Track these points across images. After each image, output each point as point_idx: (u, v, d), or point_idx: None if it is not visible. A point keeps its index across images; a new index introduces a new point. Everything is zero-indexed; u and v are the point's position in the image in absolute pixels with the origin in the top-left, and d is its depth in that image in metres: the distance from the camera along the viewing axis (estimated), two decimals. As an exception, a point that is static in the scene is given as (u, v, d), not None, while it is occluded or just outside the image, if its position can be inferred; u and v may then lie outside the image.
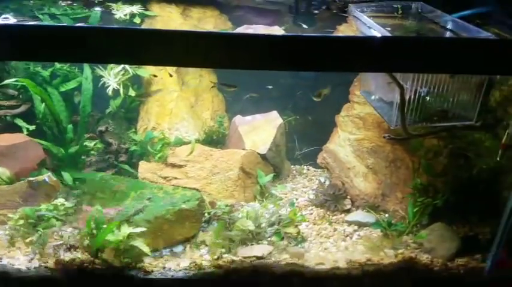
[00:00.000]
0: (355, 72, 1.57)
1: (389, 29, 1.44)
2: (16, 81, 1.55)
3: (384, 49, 1.16)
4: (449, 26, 1.47)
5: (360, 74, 1.70)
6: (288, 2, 1.96)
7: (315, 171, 1.98)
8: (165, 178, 1.71)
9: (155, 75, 1.69)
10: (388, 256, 1.47)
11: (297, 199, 1.75)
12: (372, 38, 1.25)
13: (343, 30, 1.83)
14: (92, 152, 1.71)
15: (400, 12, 1.67)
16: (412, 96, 1.29)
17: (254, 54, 1.20)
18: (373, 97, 1.50)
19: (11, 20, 1.31)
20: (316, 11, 1.92)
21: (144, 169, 1.73)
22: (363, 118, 1.72)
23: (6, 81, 1.57)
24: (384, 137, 1.40)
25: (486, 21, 1.46)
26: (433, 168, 1.51)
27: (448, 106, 1.33)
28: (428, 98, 1.32)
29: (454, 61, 1.14)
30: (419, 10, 1.66)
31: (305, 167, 1.99)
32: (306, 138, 1.97)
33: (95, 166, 1.72)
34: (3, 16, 1.34)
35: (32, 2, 1.66)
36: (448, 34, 1.47)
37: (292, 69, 1.22)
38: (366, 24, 1.50)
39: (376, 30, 1.38)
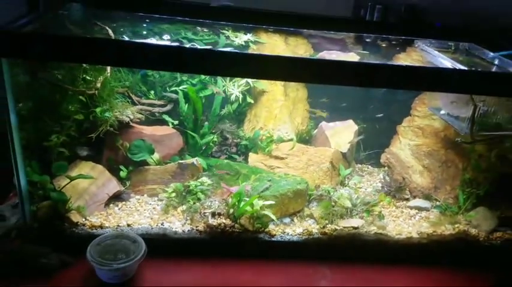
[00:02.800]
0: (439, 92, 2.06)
1: (454, 61, 1.96)
2: (184, 88, 1.99)
3: (465, 79, 1.69)
4: (496, 62, 2.00)
5: (425, 95, 2.22)
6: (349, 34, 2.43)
7: (373, 169, 2.46)
8: (269, 166, 2.15)
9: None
10: (447, 229, 1.97)
11: (371, 189, 2.23)
12: (458, 71, 1.77)
13: (403, 58, 2.31)
14: (211, 144, 2.15)
15: (453, 48, 2.21)
16: (477, 113, 1.81)
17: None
18: (442, 112, 2.01)
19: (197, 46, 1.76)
20: (378, 42, 2.42)
21: (253, 159, 2.16)
22: (422, 128, 2.23)
23: (173, 88, 2.00)
24: (456, 140, 1.91)
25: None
26: (479, 166, 2.04)
27: (500, 120, 1.86)
28: (487, 114, 1.84)
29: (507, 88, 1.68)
30: (467, 48, 2.20)
31: (366, 166, 2.48)
32: (369, 143, 2.44)
33: (215, 155, 2.15)
34: (192, 43, 1.79)
35: (164, 26, 2.06)
36: (494, 68, 2.00)
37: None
38: (435, 56, 2.01)
39: (449, 62, 1.90)
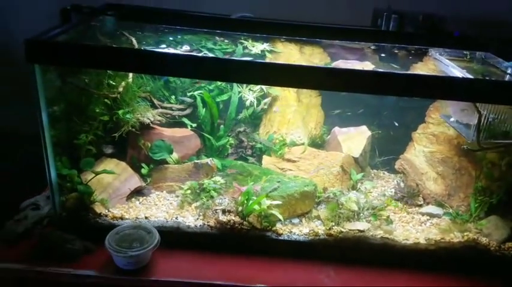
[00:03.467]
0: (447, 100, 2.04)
1: (464, 70, 1.93)
2: (200, 93, 2.12)
3: (470, 87, 1.67)
4: (508, 71, 1.95)
5: (439, 103, 2.19)
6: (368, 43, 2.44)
7: (389, 175, 2.45)
8: (281, 169, 2.20)
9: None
10: (456, 237, 1.93)
11: (384, 194, 2.22)
12: (463, 79, 1.76)
13: (420, 67, 2.30)
14: (227, 146, 2.25)
15: (468, 57, 2.16)
16: (484, 121, 1.78)
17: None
18: (451, 119, 1.98)
19: (209, 54, 1.90)
20: (396, 51, 2.41)
21: (266, 161, 2.23)
22: (436, 135, 2.19)
23: (191, 93, 2.12)
24: (463, 147, 1.88)
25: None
26: (491, 174, 1.98)
27: (509, 128, 1.81)
28: (495, 122, 1.80)
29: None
30: (483, 57, 2.15)
31: (382, 171, 2.47)
32: (384, 149, 2.43)
33: (231, 156, 2.25)
34: (204, 52, 1.93)
35: (186, 37, 2.17)
36: (507, 77, 1.95)
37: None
38: (447, 66, 2.00)
39: (458, 71, 1.87)
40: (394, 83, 1.68)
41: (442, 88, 1.67)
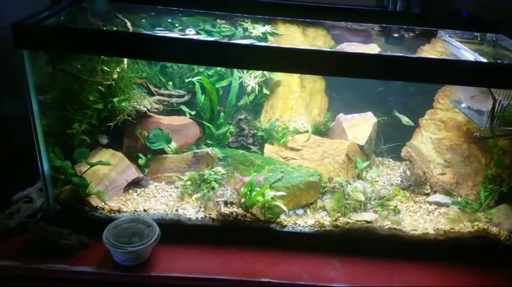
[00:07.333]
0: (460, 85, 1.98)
1: (476, 53, 1.86)
2: (199, 79, 2.04)
3: (486, 71, 1.61)
4: (520, 53, 1.88)
5: (448, 88, 2.13)
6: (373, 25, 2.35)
7: (394, 163, 2.40)
8: (284, 158, 2.14)
9: None
10: (466, 226, 1.89)
11: (392, 184, 2.17)
12: (476, 63, 1.68)
13: (427, 50, 2.22)
14: (228, 135, 2.17)
15: (479, 39, 2.09)
16: (498, 107, 1.72)
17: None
18: (463, 105, 1.93)
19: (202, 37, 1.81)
20: (403, 33, 2.33)
21: (269, 150, 2.16)
22: (445, 122, 2.14)
23: (190, 79, 2.03)
24: (475, 135, 1.82)
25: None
26: (502, 162, 1.93)
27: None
28: (509, 108, 1.74)
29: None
30: (494, 39, 2.08)
31: (387, 159, 2.41)
32: (390, 136, 2.37)
33: (231, 145, 2.18)
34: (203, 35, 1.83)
35: (183, 18, 2.08)
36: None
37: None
38: (457, 48, 1.92)
39: (470, 54, 1.81)
40: (403, 68, 1.61)
41: (454, 73, 1.60)
